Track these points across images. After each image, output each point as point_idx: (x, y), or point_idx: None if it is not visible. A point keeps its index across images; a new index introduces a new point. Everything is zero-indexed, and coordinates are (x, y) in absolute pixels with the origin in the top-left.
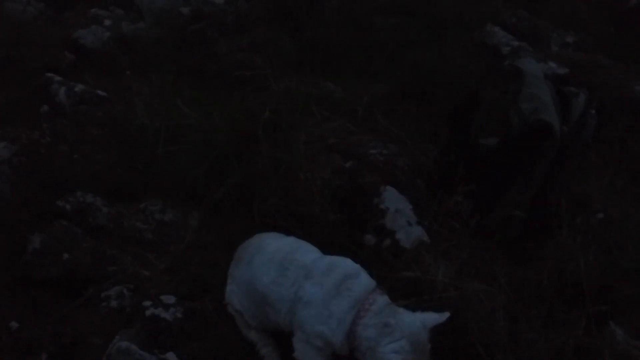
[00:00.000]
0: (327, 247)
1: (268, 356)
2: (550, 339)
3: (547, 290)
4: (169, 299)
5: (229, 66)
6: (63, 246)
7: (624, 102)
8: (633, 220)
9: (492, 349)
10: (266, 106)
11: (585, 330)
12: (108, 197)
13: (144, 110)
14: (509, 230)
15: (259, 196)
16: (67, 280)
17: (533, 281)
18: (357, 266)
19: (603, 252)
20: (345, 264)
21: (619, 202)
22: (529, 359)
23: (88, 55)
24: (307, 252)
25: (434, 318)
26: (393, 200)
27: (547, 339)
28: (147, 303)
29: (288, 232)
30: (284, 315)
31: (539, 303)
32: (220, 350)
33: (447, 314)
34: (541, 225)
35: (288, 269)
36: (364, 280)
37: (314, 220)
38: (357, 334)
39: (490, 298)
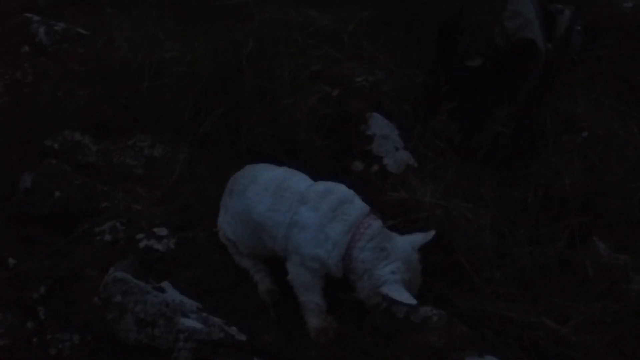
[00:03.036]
0: (316, 174)
1: (261, 281)
2: (535, 254)
3: (533, 208)
4: (162, 231)
5: None
6: (54, 184)
7: (611, 19)
8: (618, 138)
9: (479, 265)
10: (250, 36)
11: (569, 245)
12: (96, 134)
13: (126, 45)
14: (495, 150)
15: (245, 126)
16: (60, 217)
17: (519, 199)
18: (352, 191)
19: (588, 169)
20: (341, 189)
21: (604, 119)
22: (515, 273)
23: None
24: (301, 180)
25: (420, 238)
26: (379, 126)
27: (532, 254)
28: (141, 235)
29: (276, 160)
30: (279, 240)
31: (524, 220)
32: (214, 277)
33: (432, 232)
34: (527, 144)
35: (283, 196)
36: (358, 205)
37: (301, 147)
38: (352, 257)
39: (476, 216)
